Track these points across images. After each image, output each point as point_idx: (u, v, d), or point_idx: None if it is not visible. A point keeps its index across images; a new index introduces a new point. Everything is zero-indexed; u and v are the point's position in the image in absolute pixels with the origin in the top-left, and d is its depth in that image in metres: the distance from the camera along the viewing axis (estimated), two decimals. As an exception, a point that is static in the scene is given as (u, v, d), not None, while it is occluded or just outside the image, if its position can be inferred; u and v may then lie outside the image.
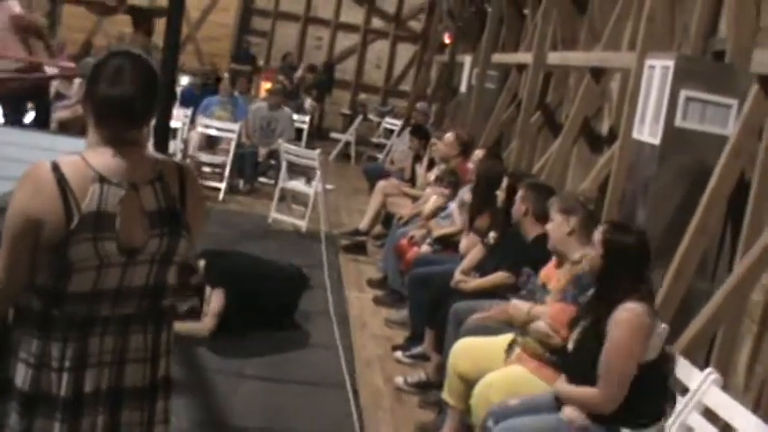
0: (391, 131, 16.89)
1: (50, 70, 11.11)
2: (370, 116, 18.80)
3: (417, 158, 10.50)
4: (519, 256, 5.57)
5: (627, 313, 3.81)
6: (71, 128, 12.50)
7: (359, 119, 17.94)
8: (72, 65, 11.59)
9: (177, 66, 7.10)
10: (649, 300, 3.96)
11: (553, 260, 4.86)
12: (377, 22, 21.20)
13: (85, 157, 2.56)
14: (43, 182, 2.51)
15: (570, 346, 4.09)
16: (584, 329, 4.03)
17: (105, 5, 6.59)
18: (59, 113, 12.81)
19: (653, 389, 3.92)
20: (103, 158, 2.57)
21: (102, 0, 6.95)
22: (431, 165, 9.75)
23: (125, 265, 2.61)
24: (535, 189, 5.62)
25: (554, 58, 10.22)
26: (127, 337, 2.69)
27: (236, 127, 11.79)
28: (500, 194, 6.19)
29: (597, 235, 4.08)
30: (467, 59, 15.00)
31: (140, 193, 2.63)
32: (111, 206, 2.56)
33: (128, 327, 2.68)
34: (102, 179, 2.55)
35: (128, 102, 2.58)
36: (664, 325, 4.05)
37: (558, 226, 4.72)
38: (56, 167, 2.51)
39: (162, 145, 6.61)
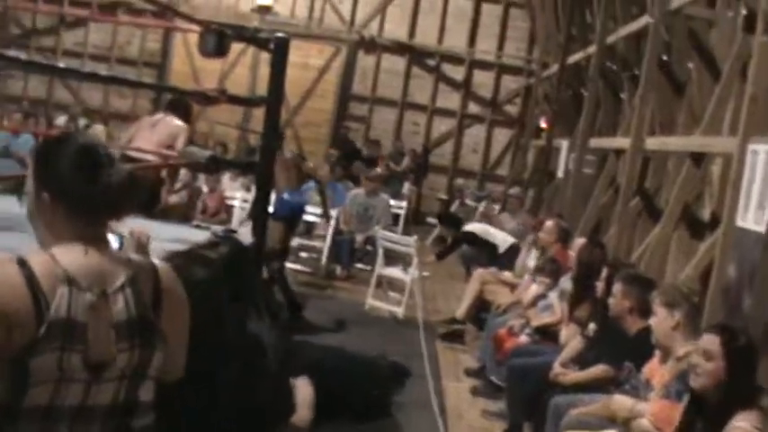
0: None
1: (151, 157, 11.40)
2: (467, 201, 18.79)
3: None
4: (620, 349, 5.45)
5: (745, 423, 3.61)
6: (174, 213, 12.81)
7: (456, 204, 17.95)
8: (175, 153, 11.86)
9: (276, 152, 7.19)
10: (761, 408, 3.77)
11: (657, 355, 4.74)
12: (473, 107, 21.29)
13: (54, 255, 2.29)
14: (11, 280, 2.22)
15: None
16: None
17: (206, 96, 6.71)
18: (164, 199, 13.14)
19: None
20: (73, 256, 2.30)
21: (203, 91, 7.08)
22: (530, 251, 9.68)
23: (89, 381, 2.29)
24: (635, 282, 5.51)
25: (652, 143, 10.08)
26: None
27: (333, 213, 11.90)
28: (600, 285, 6.10)
29: (712, 344, 3.77)
30: (564, 144, 14.93)
31: (109, 301, 2.33)
32: (82, 314, 2.26)
33: None
34: (70, 281, 2.26)
35: (113, 195, 2.37)
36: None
37: (662, 320, 4.61)
38: (23, 263, 2.24)
39: (261, 229, 6.70)
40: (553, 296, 7.57)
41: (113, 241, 2.99)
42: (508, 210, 12.81)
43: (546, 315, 7.52)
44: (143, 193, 2.70)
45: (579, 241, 7.80)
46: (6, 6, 20.54)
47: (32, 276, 2.23)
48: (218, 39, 6.54)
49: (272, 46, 6.69)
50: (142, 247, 4.23)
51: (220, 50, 6.59)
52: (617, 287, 5.53)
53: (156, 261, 2.60)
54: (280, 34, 6.79)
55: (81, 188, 2.33)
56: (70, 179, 2.34)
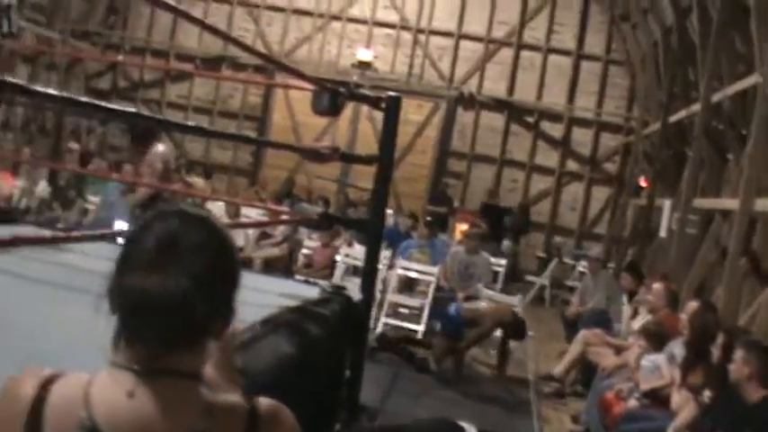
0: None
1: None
2: (565, 259, 18.64)
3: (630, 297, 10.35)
4: (740, 418, 5.32)
5: None
6: (276, 266, 12.98)
7: (554, 262, 17.82)
8: (281, 208, 12.05)
9: (385, 211, 7.25)
10: None
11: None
12: (571, 164, 21.17)
13: (90, 387, 1.68)
14: (13, 410, 1.68)
15: None
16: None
17: (319, 153, 6.79)
18: (264, 251, 13.33)
19: None
20: (113, 395, 1.66)
21: (317, 149, 7.17)
22: (635, 312, 9.54)
23: None
24: (757, 349, 5.40)
25: (762, 204, 9.88)
26: None
27: (434, 270, 11.91)
28: (715, 351, 5.98)
29: None
30: (666, 203, 14.73)
31: None
32: None
33: None
34: None
35: (174, 302, 1.65)
36: None
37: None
38: (46, 387, 1.69)
39: (369, 286, 6.73)
40: (662, 359, 7.43)
41: None
42: (590, 271, 12.62)
43: (654, 379, 7.38)
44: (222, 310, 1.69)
45: (691, 305, 7.64)
46: (117, 61, 21.27)
47: (39, 415, 1.67)
48: (331, 97, 6.63)
49: (383, 105, 6.77)
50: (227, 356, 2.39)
51: (334, 109, 6.67)
52: (738, 353, 5.42)
53: (261, 400, 1.84)
54: (392, 93, 6.86)
55: (132, 284, 1.68)
56: (124, 271, 1.71)
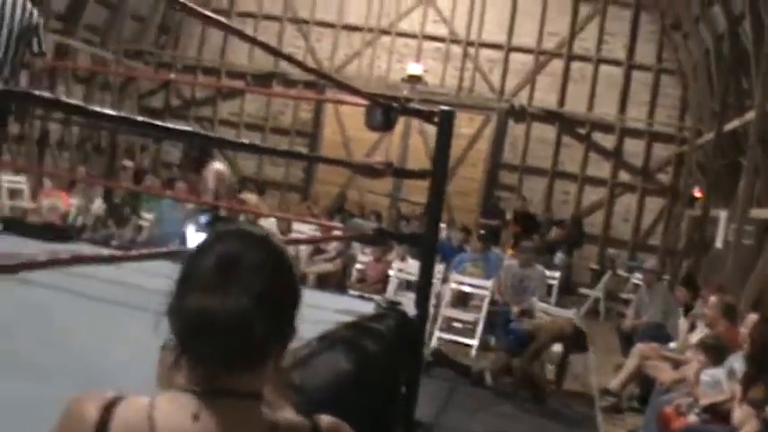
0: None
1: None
2: (619, 271, 18.46)
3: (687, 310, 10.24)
4: (805, 434, 5.23)
5: None
6: (329, 281, 13.02)
7: (608, 274, 17.66)
8: (335, 224, 12.09)
9: (439, 225, 7.24)
10: None
11: None
12: (624, 175, 20.98)
13: (153, 410, 1.66)
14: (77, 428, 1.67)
15: None
16: None
17: (373, 169, 6.80)
18: (318, 267, 13.36)
19: None
20: (177, 419, 1.65)
21: (371, 164, 7.18)
22: (692, 326, 9.42)
23: None
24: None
25: (821, 214, 9.75)
26: None
27: (488, 284, 11.87)
28: (778, 365, 5.88)
29: None
30: (722, 214, 14.55)
31: None
32: None
33: None
34: None
35: (234, 322, 1.63)
36: None
37: None
38: (110, 408, 1.67)
39: (424, 301, 6.73)
40: (721, 374, 7.32)
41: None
42: (645, 283, 12.47)
43: (714, 393, 7.27)
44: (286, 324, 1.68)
45: (751, 318, 7.53)
46: (169, 79, 21.53)
47: None
48: (384, 112, 6.64)
49: (437, 119, 6.76)
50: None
51: (387, 124, 6.69)
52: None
53: (322, 417, 1.85)
54: (444, 107, 6.86)
55: (193, 304, 1.66)
56: (185, 291, 1.69)
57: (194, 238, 9.59)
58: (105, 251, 6.74)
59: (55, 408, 1.76)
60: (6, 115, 5.71)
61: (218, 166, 8.82)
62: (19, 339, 3.99)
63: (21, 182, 16.45)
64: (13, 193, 16.23)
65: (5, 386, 3.24)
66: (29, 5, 5.52)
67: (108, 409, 1.66)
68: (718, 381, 7.33)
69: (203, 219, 9.09)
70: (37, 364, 3.63)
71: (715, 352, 7.73)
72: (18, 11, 5.43)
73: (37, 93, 3.04)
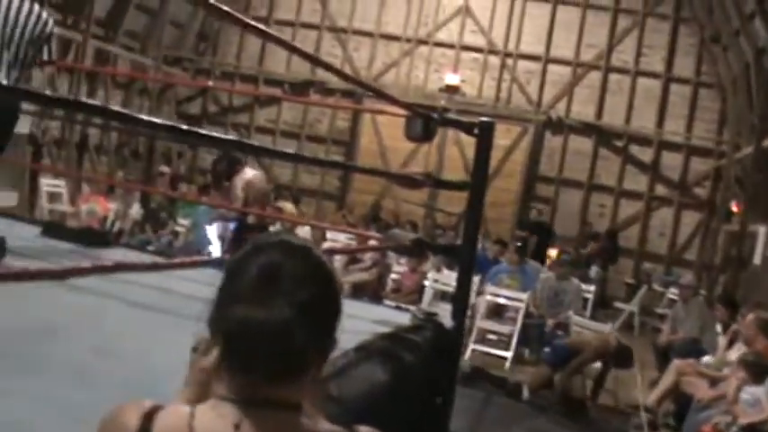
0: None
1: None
2: (655, 285, 18.32)
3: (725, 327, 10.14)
4: None
5: None
6: (364, 291, 13.01)
7: (643, 288, 17.54)
8: (370, 233, 12.09)
9: (478, 237, 7.21)
10: None
11: None
12: (660, 189, 20.84)
13: (193, 420, 1.66)
14: None
15: None
16: None
17: (412, 179, 6.79)
18: (353, 276, 13.38)
19: None
20: (219, 428, 1.64)
21: (409, 175, 7.19)
22: (731, 343, 9.33)
23: None
24: None
25: None
26: None
27: (524, 296, 11.83)
28: (819, 384, 5.81)
29: None
30: (761, 230, 14.42)
31: None
32: None
33: None
34: None
35: (276, 332, 1.64)
36: None
37: None
38: (145, 427, 1.67)
39: (461, 313, 6.69)
40: (762, 392, 7.24)
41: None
42: (681, 298, 12.36)
43: (754, 412, 7.20)
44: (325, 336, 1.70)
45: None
46: (207, 86, 21.67)
47: None
48: (424, 123, 6.62)
49: (476, 130, 6.73)
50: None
51: (427, 135, 6.67)
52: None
53: (361, 428, 1.84)
54: (484, 118, 6.83)
55: (237, 316, 1.67)
56: (228, 302, 1.71)
57: (211, 232, 9.73)
58: (146, 257, 6.76)
59: (98, 413, 1.78)
60: (15, 115, 5.76)
61: (249, 174, 8.87)
62: (64, 344, 4.01)
63: (60, 186, 16.62)
64: (53, 197, 16.40)
65: (51, 390, 3.26)
66: (44, 15, 5.61)
67: (149, 417, 1.67)
68: (759, 399, 7.26)
69: (231, 225, 9.17)
70: (82, 369, 3.64)
71: (756, 369, 7.65)
72: (32, 18, 5.52)
73: (52, 95, 3.07)
